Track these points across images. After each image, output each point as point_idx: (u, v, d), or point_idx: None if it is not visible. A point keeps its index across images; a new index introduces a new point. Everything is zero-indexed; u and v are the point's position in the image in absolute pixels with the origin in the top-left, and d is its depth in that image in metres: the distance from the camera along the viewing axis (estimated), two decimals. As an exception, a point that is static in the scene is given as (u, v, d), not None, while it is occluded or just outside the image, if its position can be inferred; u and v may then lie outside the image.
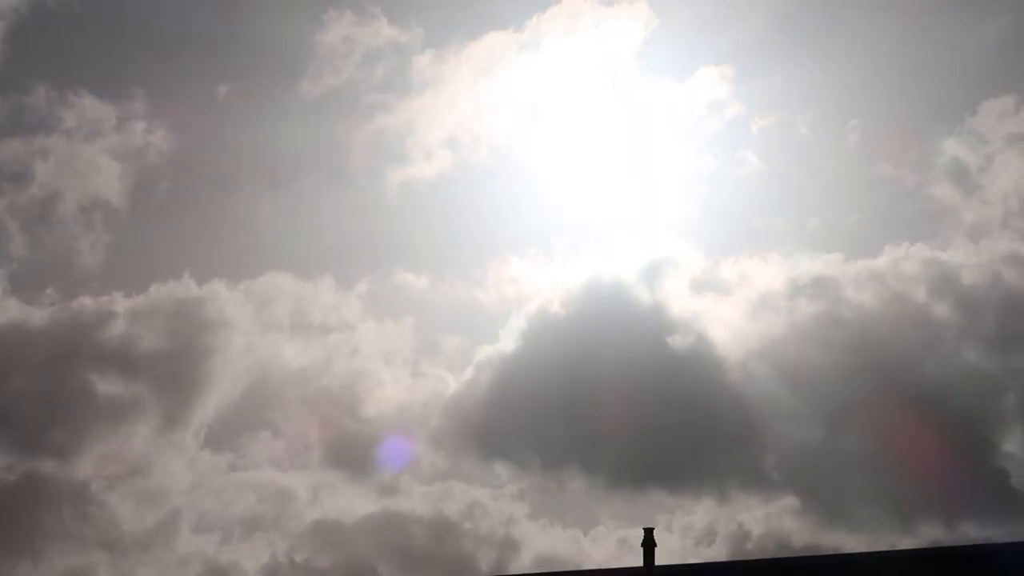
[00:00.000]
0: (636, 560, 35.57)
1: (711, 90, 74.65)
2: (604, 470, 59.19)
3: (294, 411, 64.81)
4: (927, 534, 54.70)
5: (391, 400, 64.10)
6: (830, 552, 39.46)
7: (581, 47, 73.67)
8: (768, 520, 58.37)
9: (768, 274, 67.11)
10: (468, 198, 76.15)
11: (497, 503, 60.58)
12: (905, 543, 54.38)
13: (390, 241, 76.56)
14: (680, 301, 64.93)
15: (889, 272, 65.17)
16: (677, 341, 62.35)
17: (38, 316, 66.10)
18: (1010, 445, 56.85)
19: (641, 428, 58.73)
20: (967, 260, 64.93)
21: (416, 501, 60.08)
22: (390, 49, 74.45)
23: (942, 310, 63.00)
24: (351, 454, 61.70)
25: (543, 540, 60.22)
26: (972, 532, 53.93)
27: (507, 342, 63.97)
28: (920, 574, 30.88)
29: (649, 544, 35.71)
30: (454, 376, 65.03)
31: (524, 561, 58.33)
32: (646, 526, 35.90)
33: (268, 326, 67.50)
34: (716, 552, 56.63)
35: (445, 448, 61.46)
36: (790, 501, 58.32)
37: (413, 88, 75.41)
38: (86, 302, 66.62)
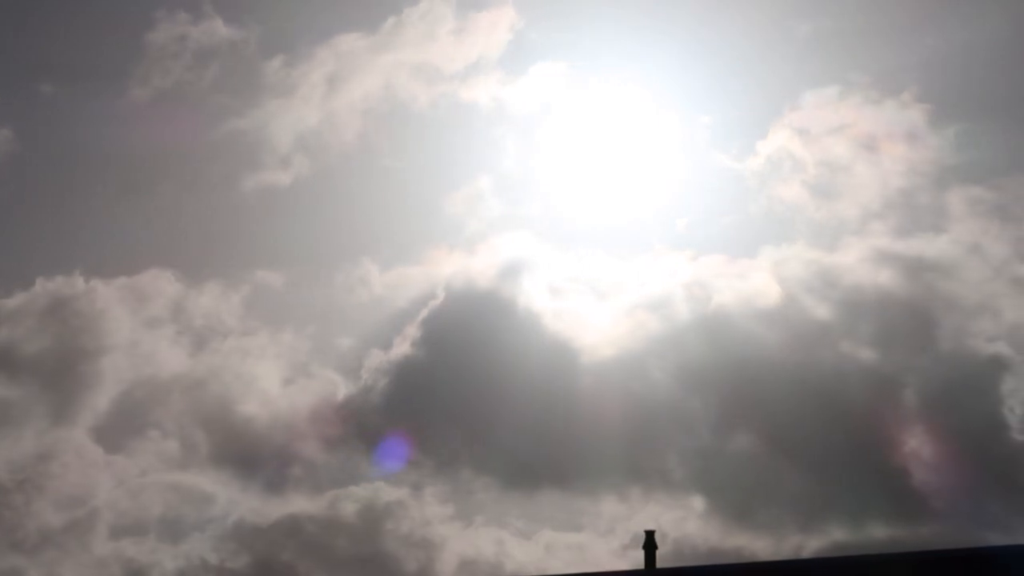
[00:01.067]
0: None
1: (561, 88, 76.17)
2: (500, 471, 60.43)
3: (180, 412, 65.62)
4: (832, 535, 56.10)
5: (276, 403, 65.03)
6: (828, 554, 39.48)
7: (439, 50, 73.87)
8: (676, 523, 59.78)
9: (647, 274, 68.54)
10: (328, 201, 77.62)
11: (405, 505, 61.42)
12: (812, 543, 55.36)
13: (255, 243, 77.78)
14: (551, 302, 66.35)
15: (767, 272, 66.51)
16: (548, 342, 63.53)
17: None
18: (911, 444, 58.00)
19: (532, 430, 59.61)
20: (843, 259, 66.45)
21: (315, 504, 61.30)
22: (228, 50, 75.02)
23: (826, 309, 63.93)
24: (241, 456, 62.92)
25: (462, 543, 61.33)
26: (878, 532, 55.47)
27: (395, 345, 64.71)
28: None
29: (650, 546, 35.80)
30: (344, 379, 65.45)
31: (443, 564, 59.67)
32: (647, 528, 36.06)
33: (149, 325, 68.16)
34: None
35: (337, 450, 62.42)
36: (696, 502, 59.75)
37: (264, 91, 75.43)
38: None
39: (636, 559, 56.70)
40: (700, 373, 61.30)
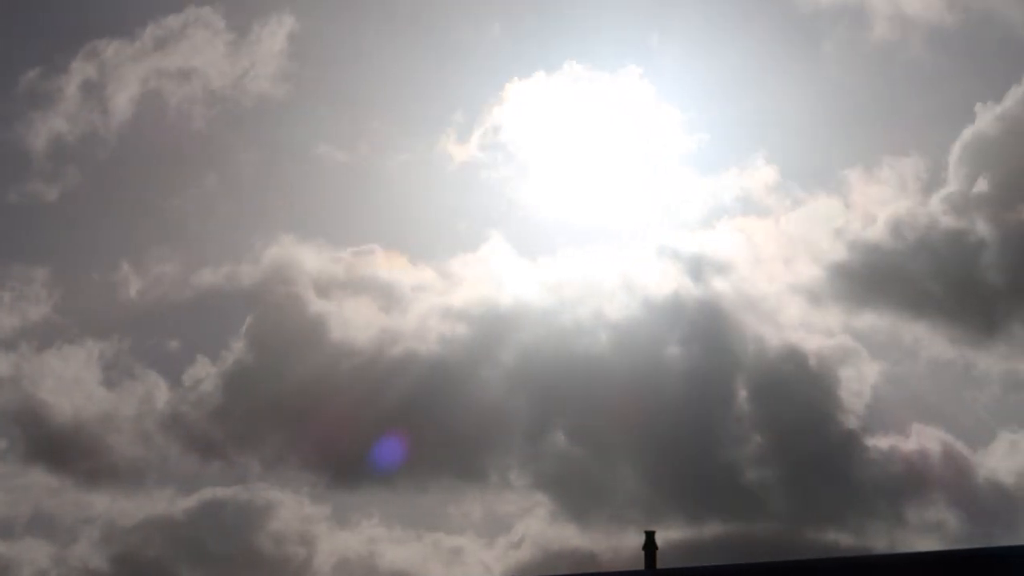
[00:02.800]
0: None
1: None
2: (330, 470, 61.22)
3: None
4: (672, 534, 56.34)
5: (97, 406, 64.85)
6: (831, 555, 39.52)
7: (208, 58, 73.91)
8: (525, 525, 60.75)
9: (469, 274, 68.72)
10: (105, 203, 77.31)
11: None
12: (633, 540, 56.04)
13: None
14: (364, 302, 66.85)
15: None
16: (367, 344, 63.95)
17: None
18: (740, 443, 58.63)
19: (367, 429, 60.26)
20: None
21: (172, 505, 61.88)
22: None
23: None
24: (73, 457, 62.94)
25: (336, 543, 61.69)
26: (716, 530, 56.70)
27: (223, 347, 65.87)
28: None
29: (650, 546, 35.81)
30: (167, 382, 65.59)
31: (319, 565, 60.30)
32: (647, 529, 36.06)
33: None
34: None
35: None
36: (539, 499, 60.85)
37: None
38: None
39: (511, 558, 58.89)
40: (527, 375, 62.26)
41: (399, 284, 67.66)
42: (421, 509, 63.43)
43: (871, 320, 64.26)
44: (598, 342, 63.02)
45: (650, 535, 35.75)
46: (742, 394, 60.29)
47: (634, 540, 56.19)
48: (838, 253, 65.03)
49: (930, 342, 64.00)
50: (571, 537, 58.27)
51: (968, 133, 65.14)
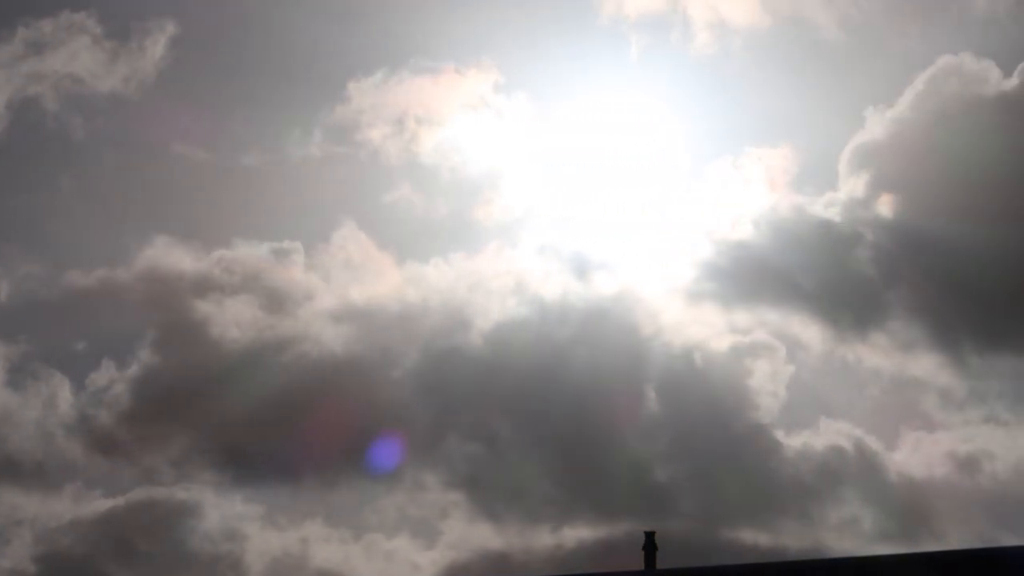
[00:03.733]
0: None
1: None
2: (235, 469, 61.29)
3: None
4: (584, 533, 57.59)
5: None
6: (832, 556, 39.53)
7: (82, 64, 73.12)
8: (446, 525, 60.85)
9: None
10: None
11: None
12: (547, 539, 57.17)
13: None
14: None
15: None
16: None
17: None
18: (633, 442, 59.33)
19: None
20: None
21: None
22: None
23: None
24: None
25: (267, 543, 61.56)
26: (626, 528, 55.88)
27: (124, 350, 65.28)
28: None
29: (650, 547, 35.74)
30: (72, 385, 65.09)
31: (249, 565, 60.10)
32: (647, 530, 35.99)
33: None
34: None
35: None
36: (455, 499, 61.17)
37: None
38: None
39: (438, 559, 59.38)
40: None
41: (280, 282, 68.04)
42: (353, 510, 63.74)
43: (755, 317, 64.60)
44: (479, 342, 64.07)
45: (650, 535, 35.68)
46: (637, 392, 60.98)
47: (548, 540, 58.17)
48: (710, 251, 66.33)
49: (824, 339, 64.39)
50: (488, 538, 58.95)
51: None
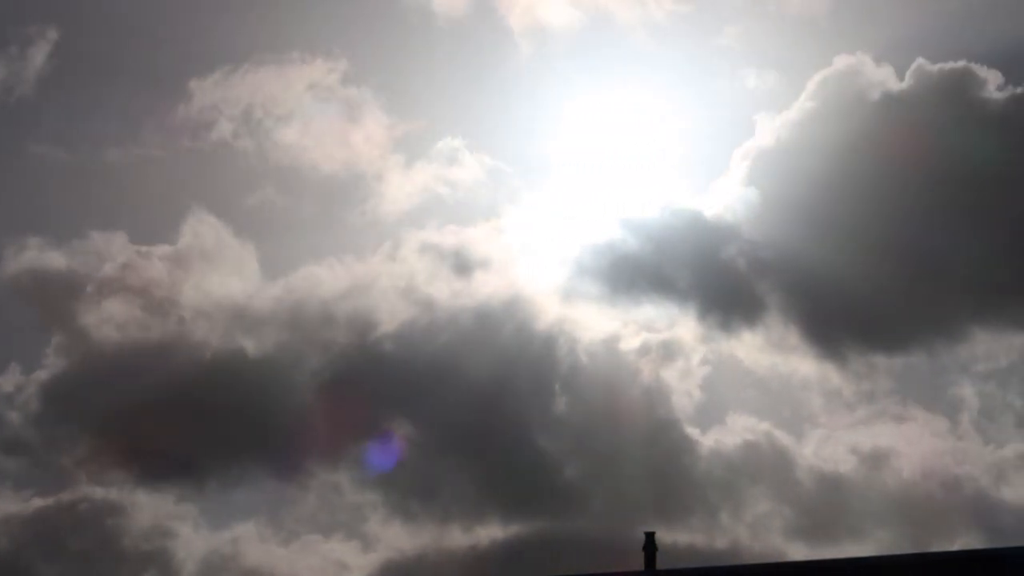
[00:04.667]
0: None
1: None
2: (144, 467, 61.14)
3: None
4: (496, 532, 58.24)
5: None
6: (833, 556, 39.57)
7: None
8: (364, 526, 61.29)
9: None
10: None
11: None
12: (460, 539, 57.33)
13: None
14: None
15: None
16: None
17: None
18: (545, 441, 60.03)
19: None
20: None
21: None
22: None
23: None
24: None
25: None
26: (538, 526, 57.70)
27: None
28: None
29: (650, 547, 35.68)
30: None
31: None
32: (647, 530, 35.95)
33: None
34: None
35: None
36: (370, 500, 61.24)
37: None
38: None
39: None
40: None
41: (159, 280, 68.01)
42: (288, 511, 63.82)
43: (630, 315, 65.25)
44: (375, 340, 64.38)
45: (650, 535, 35.58)
46: (530, 391, 61.57)
47: (461, 540, 58.49)
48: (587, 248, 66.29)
49: (695, 336, 65.11)
50: (398, 537, 59.63)
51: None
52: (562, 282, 65.81)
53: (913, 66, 63.95)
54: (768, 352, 64.01)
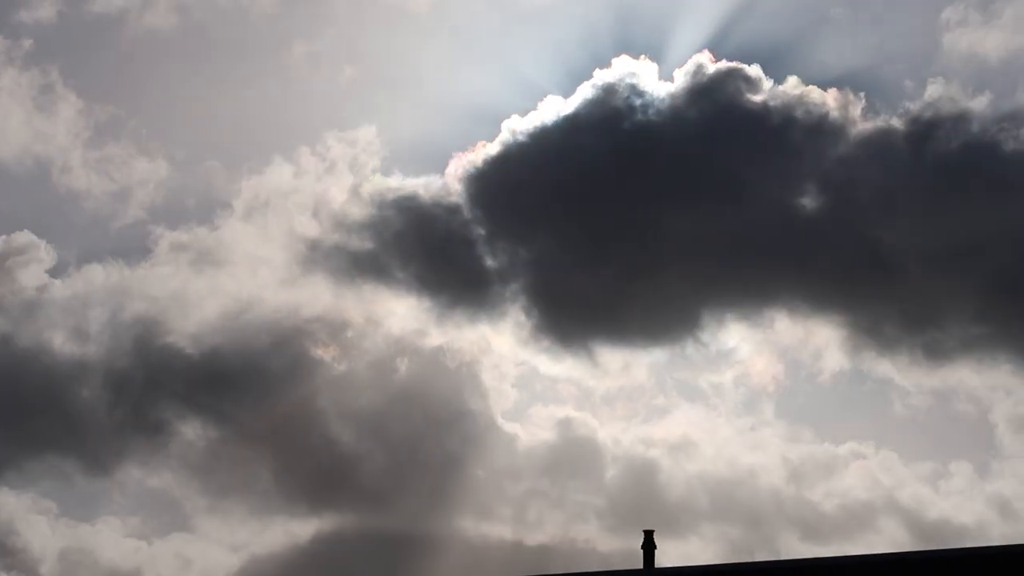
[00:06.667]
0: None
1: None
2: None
3: None
4: (307, 527, 59.76)
5: None
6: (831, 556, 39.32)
7: None
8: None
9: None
10: None
11: None
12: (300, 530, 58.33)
13: None
14: None
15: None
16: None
17: None
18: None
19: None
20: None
21: None
22: None
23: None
24: None
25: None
26: (347, 521, 58.52)
27: None
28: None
29: (649, 546, 35.65)
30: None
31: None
32: (646, 528, 35.89)
33: None
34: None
35: None
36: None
37: None
38: None
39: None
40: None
41: None
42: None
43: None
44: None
45: (649, 534, 35.61)
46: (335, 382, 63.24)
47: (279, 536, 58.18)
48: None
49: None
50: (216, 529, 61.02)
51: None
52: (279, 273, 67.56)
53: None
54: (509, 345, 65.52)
